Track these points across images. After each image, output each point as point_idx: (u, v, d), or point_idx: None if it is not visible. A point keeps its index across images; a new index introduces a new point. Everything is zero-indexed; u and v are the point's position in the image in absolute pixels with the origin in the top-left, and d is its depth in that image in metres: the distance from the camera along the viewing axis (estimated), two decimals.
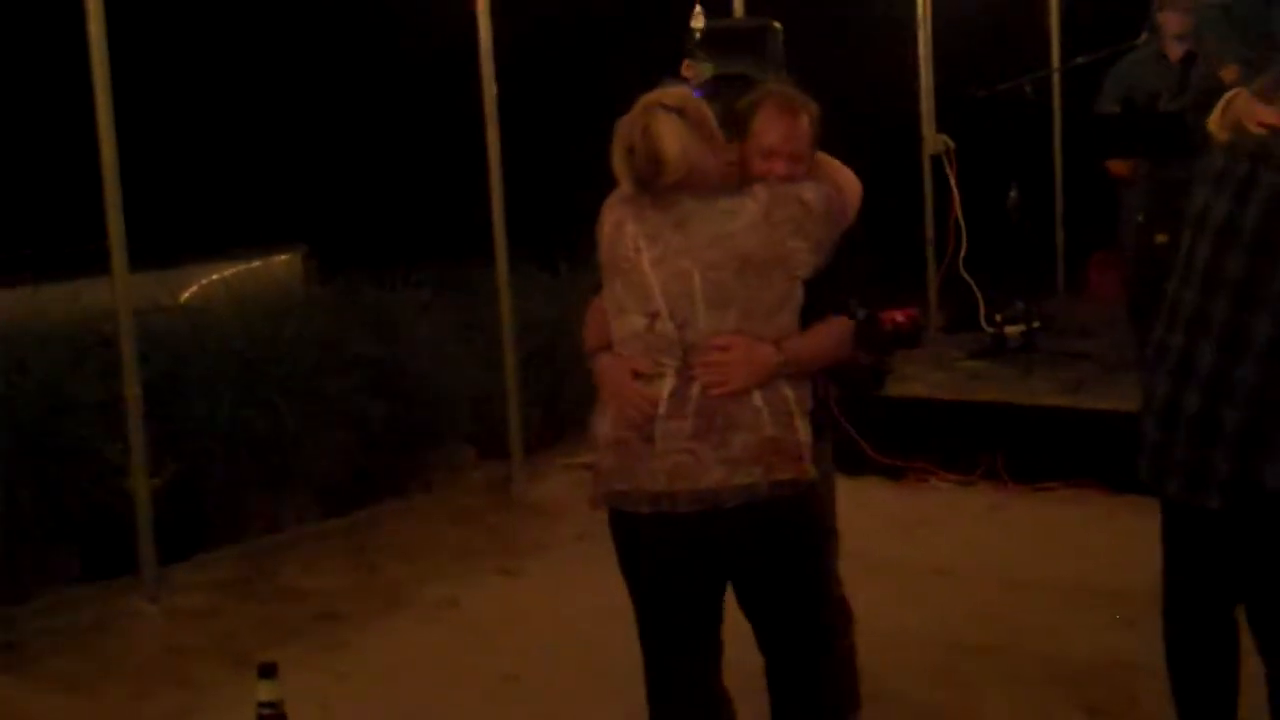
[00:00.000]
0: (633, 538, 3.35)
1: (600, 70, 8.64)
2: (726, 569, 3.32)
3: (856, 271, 3.56)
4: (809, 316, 3.32)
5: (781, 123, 3.43)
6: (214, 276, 8.01)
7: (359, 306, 7.18)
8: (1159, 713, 4.15)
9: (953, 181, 8.31)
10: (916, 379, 7.38)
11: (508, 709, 4.58)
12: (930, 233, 8.76)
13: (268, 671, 2.23)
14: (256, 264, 8.29)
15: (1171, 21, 7.38)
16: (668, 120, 3.22)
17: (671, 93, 3.34)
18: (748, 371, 3.19)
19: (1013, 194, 7.74)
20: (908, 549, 5.75)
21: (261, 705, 2.25)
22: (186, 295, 7.71)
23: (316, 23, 9.03)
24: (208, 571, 5.87)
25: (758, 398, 3.20)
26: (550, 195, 8.22)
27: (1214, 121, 3.46)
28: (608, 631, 5.05)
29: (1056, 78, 9.56)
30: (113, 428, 5.67)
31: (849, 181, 3.58)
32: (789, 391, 3.24)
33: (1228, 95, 3.46)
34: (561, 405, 7.62)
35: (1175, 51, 7.43)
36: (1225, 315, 3.20)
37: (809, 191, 3.31)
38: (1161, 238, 7.63)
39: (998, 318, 8.04)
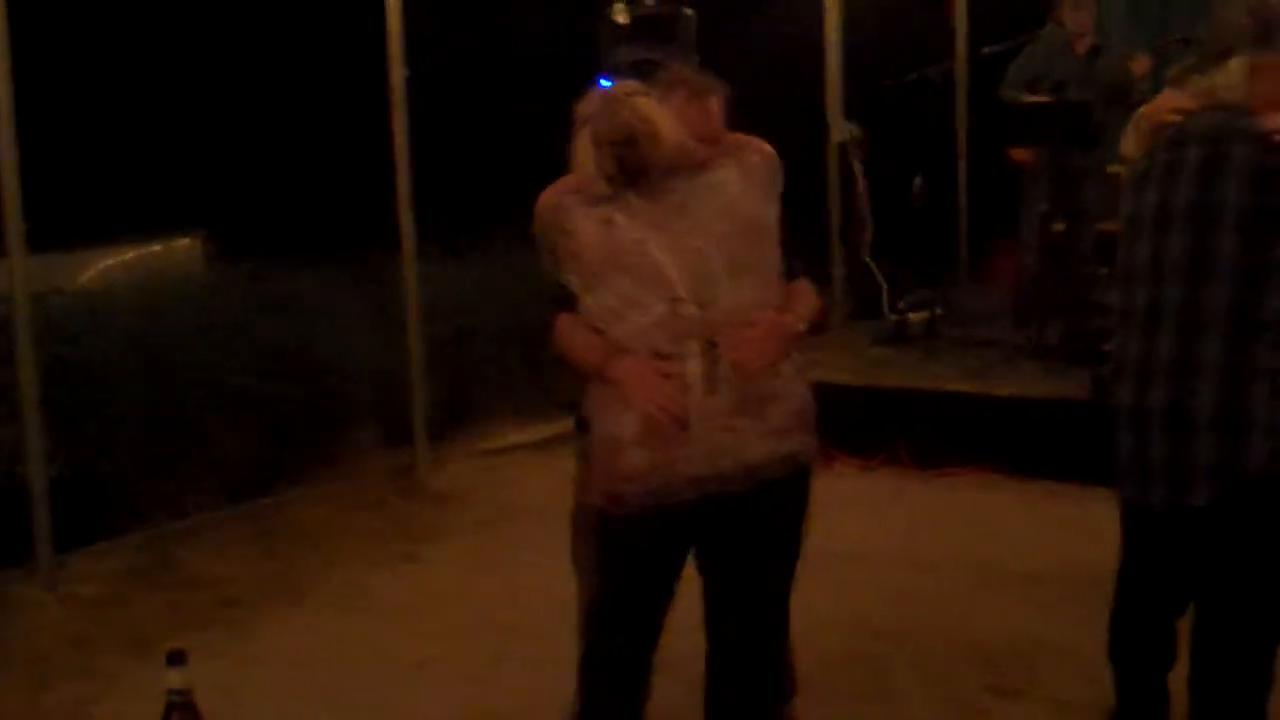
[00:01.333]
0: (636, 533, 3.25)
1: (509, 56, 8.62)
2: (729, 544, 3.27)
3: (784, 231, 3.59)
4: None
5: (695, 106, 3.44)
6: (112, 260, 7.89)
7: (262, 292, 7.09)
8: (1063, 691, 4.26)
9: (858, 169, 8.37)
10: (822, 364, 7.41)
11: (419, 695, 4.54)
12: (835, 219, 8.81)
13: (176, 659, 2.18)
14: (155, 248, 8.17)
15: (1078, 19, 7.51)
16: (651, 102, 3.24)
17: (631, 84, 3.34)
18: (778, 344, 3.20)
19: (918, 182, 7.81)
20: (814, 533, 5.73)
21: (170, 693, 2.21)
22: (84, 279, 7.58)
23: (221, 3, 8.89)
24: (108, 559, 5.76)
25: (786, 367, 3.22)
26: (456, 181, 8.18)
27: (1128, 146, 3.48)
28: (516, 616, 5.07)
29: (962, 68, 9.65)
30: (8, 413, 5.55)
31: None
32: (797, 357, 3.27)
33: (1136, 117, 3.48)
34: (466, 392, 7.58)
35: (1081, 44, 7.55)
36: (1180, 297, 3.19)
37: (755, 155, 3.31)
38: (1059, 226, 7.76)
39: (901, 305, 8.12)
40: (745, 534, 3.26)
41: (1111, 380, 3.39)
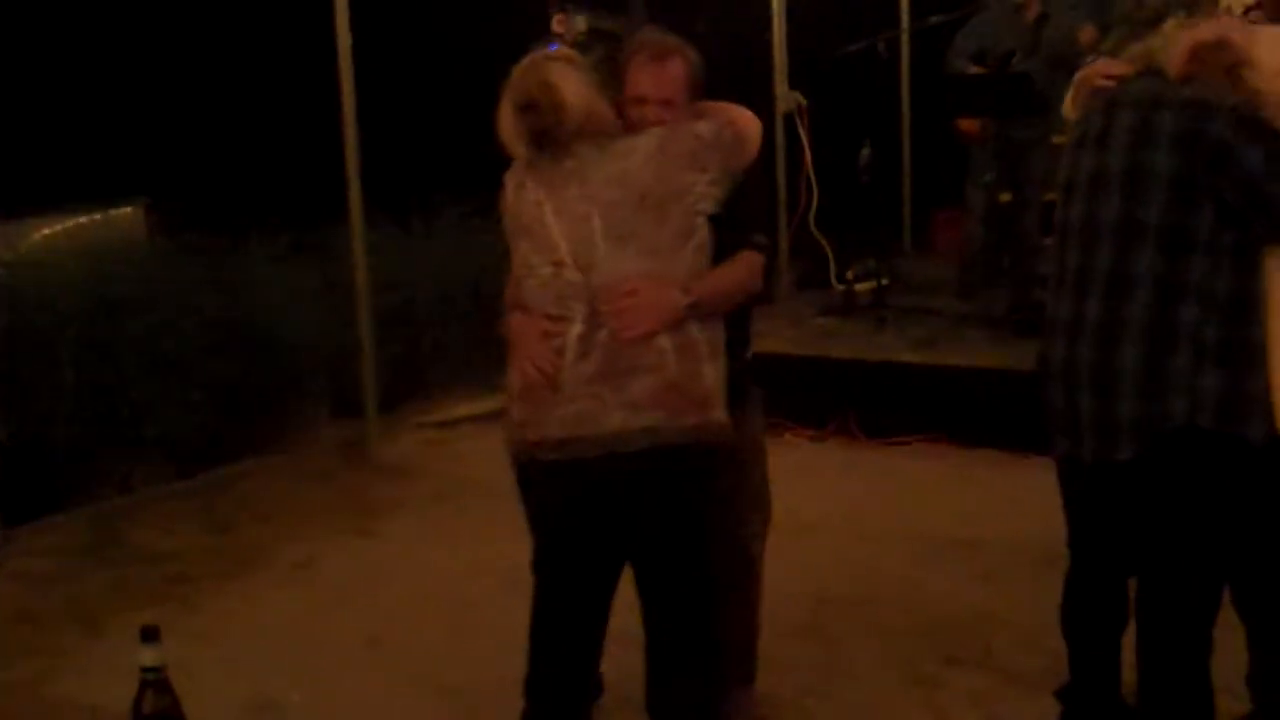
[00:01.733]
0: (541, 488, 3.35)
1: (461, 25, 8.54)
2: (626, 519, 3.28)
3: (758, 206, 3.60)
4: (720, 255, 3.34)
5: (650, 69, 3.43)
6: (52, 229, 7.77)
7: (207, 262, 7.00)
8: (1013, 661, 4.31)
9: (805, 139, 8.38)
10: (769, 335, 7.42)
11: (371, 671, 4.52)
12: (781, 190, 8.82)
13: (150, 635, 2.17)
14: (96, 217, 8.04)
15: None
16: (561, 68, 3.28)
17: (555, 50, 3.36)
18: (655, 315, 3.19)
19: (865, 152, 7.82)
20: None
21: (144, 670, 2.19)
22: (24, 248, 7.46)
23: None
24: (56, 534, 5.72)
25: (664, 340, 3.20)
26: (404, 152, 8.11)
27: (1068, 109, 3.53)
28: (469, 591, 5.06)
29: (905, 37, 9.67)
30: None
31: (745, 119, 3.56)
32: (698, 334, 3.24)
33: (1075, 81, 3.52)
34: (415, 364, 7.55)
35: (1030, 11, 7.56)
36: (1108, 261, 3.25)
37: (700, 125, 3.34)
38: (1005, 196, 7.82)
39: (849, 275, 8.14)
40: (632, 510, 3.27)
41: (1044, 337, 3.46)
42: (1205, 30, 3.22)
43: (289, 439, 6.91)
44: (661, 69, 3.42)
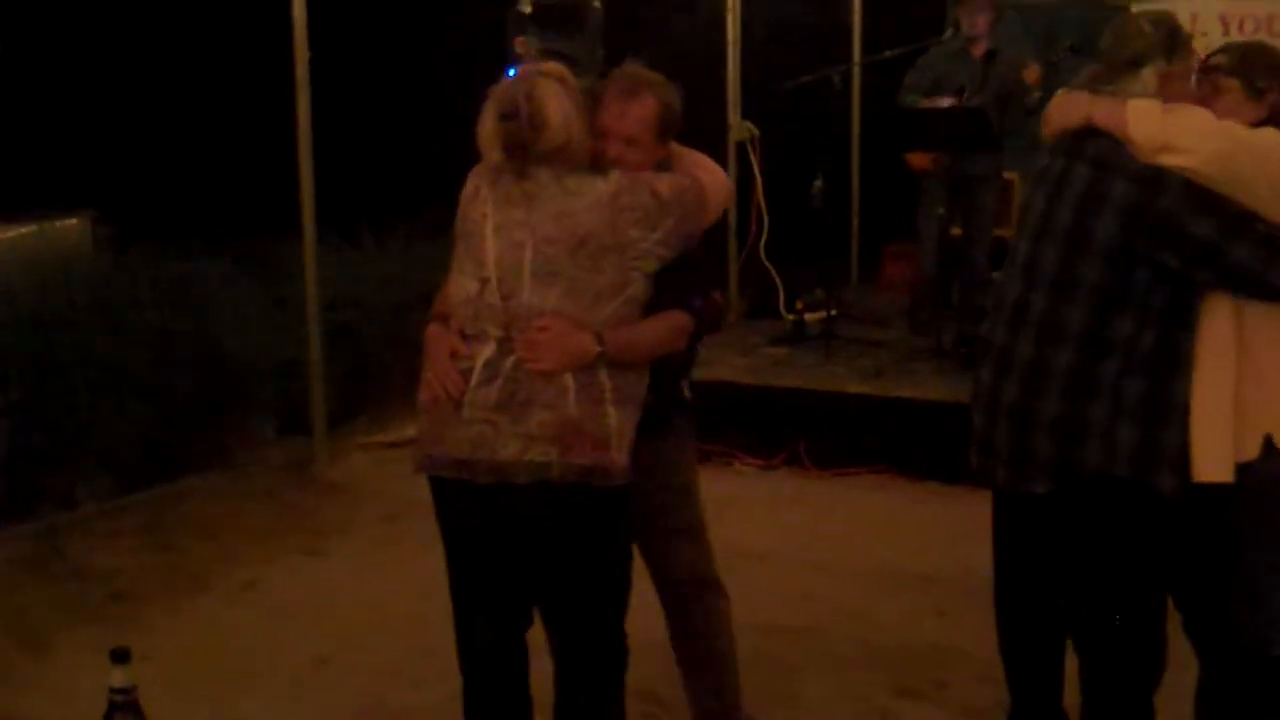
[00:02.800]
0: (443, 502, 3.37)
1: (416, 43, 8.52)
2: (519, 546, 3.31)
3: (708, 268, 3.58)
4: (652, 309, 3.32)
5: (617, 104, 3.38)
6: None
7: (155, 276, 6.93)
8: (969, 696, 4.31)
9: (756, 169, 8.41)
10: (718, 363, 7.44)
11: (320, 692, 4.48)
12: (732, 219, 8.84)
13: (121, 657, 2.13)
14: (42, 227, 7.93)
15: (977, 23, 7.60)
16: (552, 86, 3.24)
17: (550, 64, 3.33)
18: (560, 354, 3.18)
19: (818, 183, 7.86)
20: (716, 531, 5.76)
21: (113, 691, 2.15)
22: None
23: None
24: None
25: (568, 378, 3.19)
26: (357, 169, 8.06)
27: (1044, 127, 3.58)
28: (418, 611, 4.99)
29: (856, 70, 9.74)
30: None
31: (714, 179, 3.50)
32: (606, 380, 3.23)
33: (1052, 104, 3.56)
34: (364, 383, 7.50)
35: (978, 48, 7.64)
36: (1043, 306, 3.34)
37: (663, 183, 3.30)
38: (956, 231, 7.87)
39: (799, 305, 8.17)
40: (525, 542, 3.30)
41: (978, 357, 3.56)
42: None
43: (235, 456, 6.83)
44: (628, 106, 3.37)
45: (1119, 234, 3.21)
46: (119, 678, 2.13)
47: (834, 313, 7.91)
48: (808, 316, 8.10)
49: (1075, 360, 3.28)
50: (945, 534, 5.63)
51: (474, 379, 3.21)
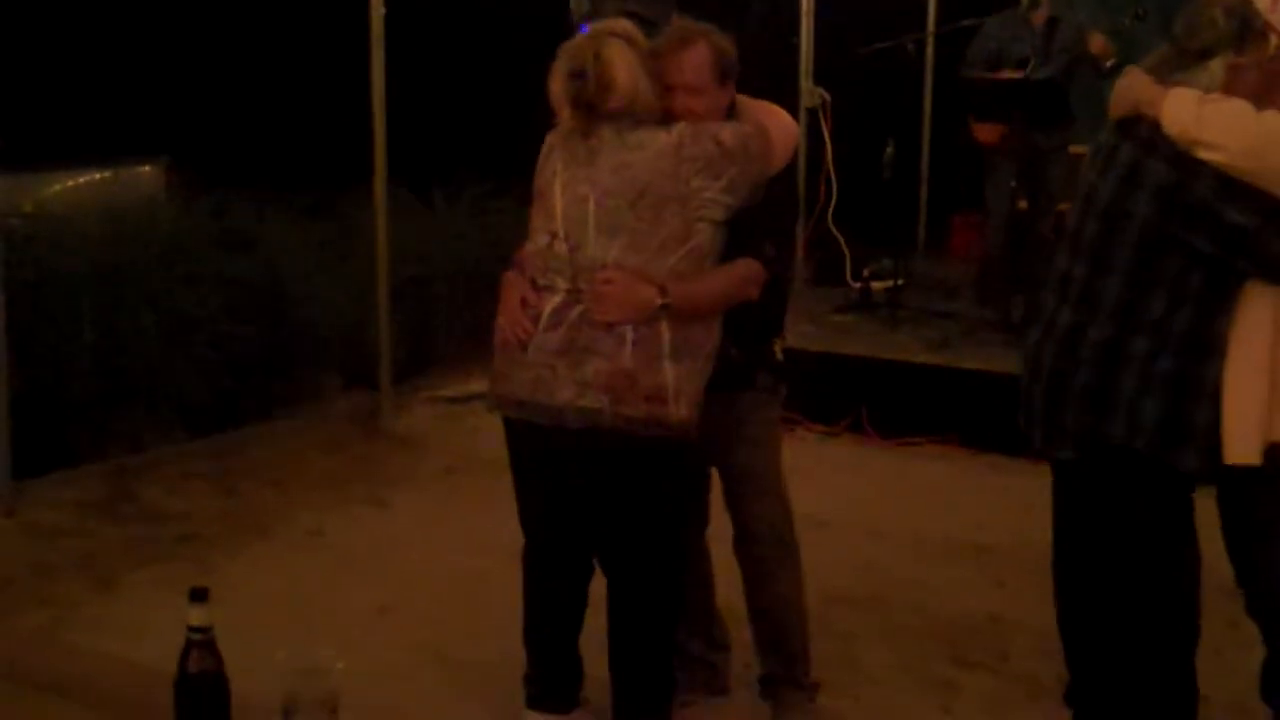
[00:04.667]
0: (511, 438, 3.51)
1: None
2: (573, 488, 3.44)
3: (777, 215, 3.60)
4: (726, 259, 3.38)
5: (673, 56, 3.44)
6: (72, 183, 7.74)
7: (226, 225, 6.99)
8: (1029, 668, 4.30)
9: (826, 135, 8.38)
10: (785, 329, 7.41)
11: (382, 640, 4.52)
12: (801, 186, 8.80)
13: (199, 595, 2.17)
14: (117, 172, 8.02)
15: None
16: (619, 46, 3.31)
17: (619, 23, 3.37)
18: (624, 306, 3.26)
19: (889, 151, 7.82)
20: None
21: (191, 630, 2.19)
22: (43, 200, 7.42)
23: None
24: (68, 489, 5.71)
25: (628, 330, 3.27)
26: (431, 128, 8.09)
27: (1113, 102, 3.54)
28: (479, 564, 5.06)
29: (931, 39, 9.66)
30: None
31: (780, 124, 3.57)
32: (666, 333, 3.28)
33: (1121, 79, 3.53)
34: (429, 338, 7.54)
35: (1039, 16, 7.52)
36: (1082, 278, 3.34)
37: (727, 132, 3.35)
38: (1023, 204, 7.81)
39: (866, 273, 8.15)
40: (578, 484, 3.42)
41: (1028, 319, 3.57)
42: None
43: (302, 406, 6.90)
44: (683, 55, 3.43)
45: (1154, 215, 3.19)
46: (197, 616, 2.16)
47: (901, 282, 7.89)
48: (875, 285, 8.09)
49: (1108, 333, 3.27)
50: (1006, 506, 5.62)
51: (541, 325, 3.32)
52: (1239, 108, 3.21)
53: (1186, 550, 3.43)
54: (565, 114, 3.35)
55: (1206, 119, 3.18)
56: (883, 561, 5.22)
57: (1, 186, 6.46)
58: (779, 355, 3.82)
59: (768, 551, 3.85)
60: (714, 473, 3.88)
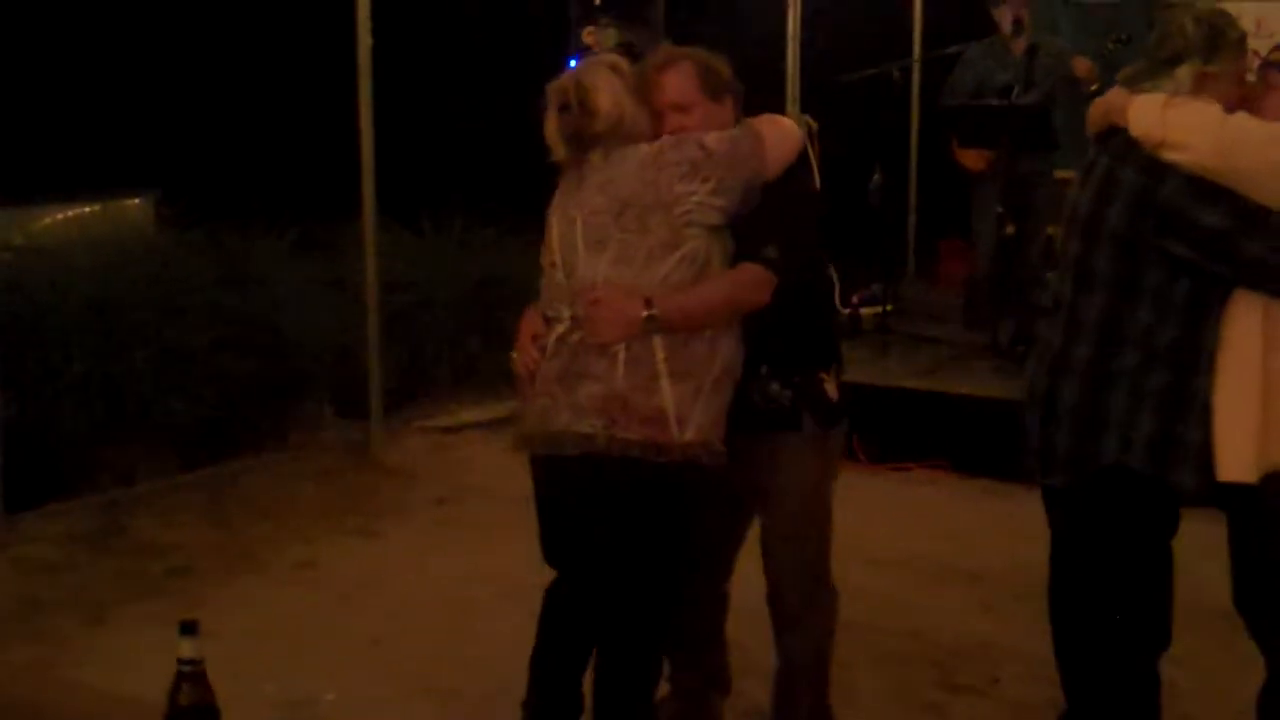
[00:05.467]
0: (533, 474, 3.48)
1: (481, 31, 8.55)
2: (574, 518, 3.39)
3: (781, 217, 3.38)
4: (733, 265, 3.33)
5: (658, 80, 3.42)
6: (62, 216, 7.76)
7: (216, 257, 7.00)
8: (1021, 693, 4.30)
9: (814, 162, 8.38)
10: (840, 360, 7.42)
11: (374, 672, 4.52)
12: None
13: (189, 628, 2.17)
14: (107, 206, 8.04)
15: (1004, 17, 7.52)
16: (603, 72, 3.34)
17: (605, 55, 3.43)
18: (613, 325, 3.22)
19: (876, 178, 7.84)
20: None
21: (181, 662, 2.19)
22: (33, 234, 7.45)
23: None
24: (58, 522, 5.70)
25: (621, 350, 3.22)
26: (418, 155, 8.12)
27: (1089, 119, 3.56)
28: (471, 595, 5.06)
29: (916, 66, 9.70)
30: None
31: (778, 127, 3.47)
32: (661, 350, 3.22)
33: (1106, 96, 3.55)
34: (420, 368, 7.55)
35: (1018, 44, 7.56)
36: (1069, 299, 3.35)
37: (711, 135, 3.31)
38: (1010, 229, 7.83)
39: (855, 299, 8.17)
40: (573, 506, 3.38)
41: (1016, 342, 3.61)
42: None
43: (293, 437, 6.90)
44: (665, 76, 3.41)
45: (1127, 222, 3.19)
46: (188, 649, 2.16)
47: (890, 308, 7.92)
48: (863, 311, 8.11)
49: (1093, 351, 3.27)
50: (997, 531, 5.63)
51: (547, 354, 3.33)
52: (1204, 108, 3.21)
53: (1165, 562, 3.42)
54: (560, 150, 3.37)
55: (1171, 120, 3.17)
56: (873, 586, 5.20)
57: None
58: (831, 392, 3.58)
59: (785, 615, 3.71)
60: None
